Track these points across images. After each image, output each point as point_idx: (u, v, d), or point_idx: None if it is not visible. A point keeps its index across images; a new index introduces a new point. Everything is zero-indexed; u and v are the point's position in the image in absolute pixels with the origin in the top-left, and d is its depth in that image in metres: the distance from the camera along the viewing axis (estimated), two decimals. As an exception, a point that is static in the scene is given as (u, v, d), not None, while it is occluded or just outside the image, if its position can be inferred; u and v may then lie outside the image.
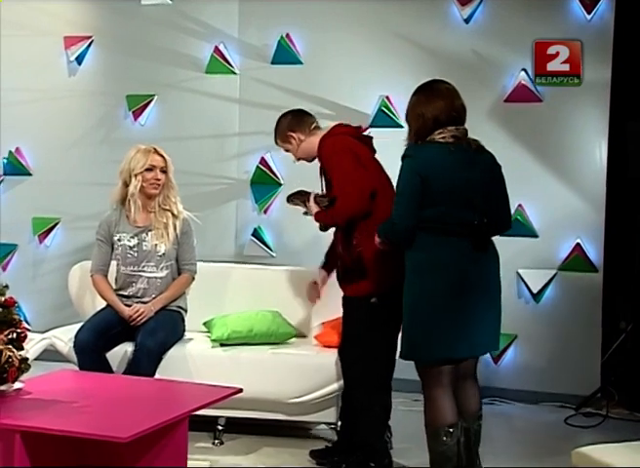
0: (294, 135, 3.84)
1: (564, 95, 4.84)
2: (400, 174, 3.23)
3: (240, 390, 3.30)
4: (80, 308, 4.51)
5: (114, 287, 4.16)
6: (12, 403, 3.03)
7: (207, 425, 3.97)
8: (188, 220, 4.20)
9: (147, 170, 4.08)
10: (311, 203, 3.74)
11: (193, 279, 4.19)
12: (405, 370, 3.48)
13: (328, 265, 3.95)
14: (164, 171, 4.12)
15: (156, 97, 5.41)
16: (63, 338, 4.12)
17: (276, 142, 3.96)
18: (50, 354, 4.12)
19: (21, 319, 3.18)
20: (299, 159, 3.90)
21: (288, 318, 4.27)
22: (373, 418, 3.63)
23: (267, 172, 5.25)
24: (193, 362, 4.00)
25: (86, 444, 2.87)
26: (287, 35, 5.18)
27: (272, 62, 5.23)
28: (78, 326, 4.13)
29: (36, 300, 5.38)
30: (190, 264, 4.17)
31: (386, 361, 3.63)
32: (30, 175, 5.63)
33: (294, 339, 4.24)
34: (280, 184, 5.24)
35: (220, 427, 4.04)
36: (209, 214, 5.39)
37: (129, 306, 4.03)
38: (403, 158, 3.24)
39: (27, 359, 3.13)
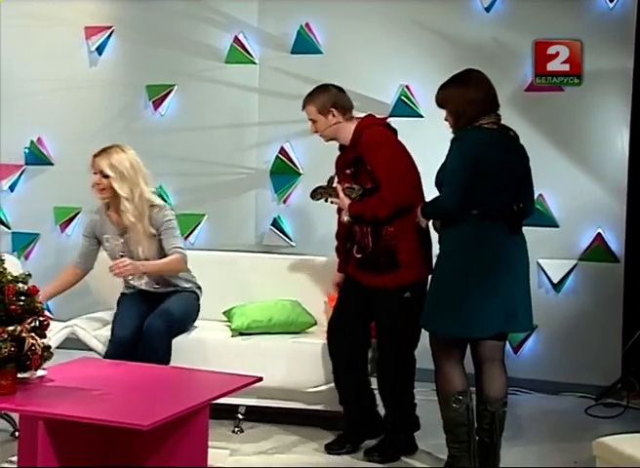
0: (335, 111, 3.70)
1: (585, 83, 4.79)
2: (451, 154, 3.36)
3: (260, 379, 3.30)
4: (100, 297, 4.53)
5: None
6: (35, 390, 3.05)
7: (226, 413, 3.97)
8: (162, 211, 3.99)
9: (94, 173, 3.99)
10: (342, 195, 3.64)
11: (185, 262, 4.00)
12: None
13: (343, 265, 3.88)
14: (105, 176, 3.94)
15: (176, 87, 5.41)
16: (85, 327, 4.14)
17: (305, 107, 3.75)
18: (71, 342, 4.14)
19: (44, 307, 3.19)
20: (321, 134, 3.76)
21: (307, 307, 4.26)
22: (412, 398, 3.75)
23: (287, 161, 5.24)
24: (213, 351, 4.01)
25: (107, 431, 2.88)
26: (306, 24, 5.16)
27: (292, 52, 5.21)
28: (99, 314, 4.15)
29: (58, 289, 5.39)
30: (175, 247, 3.94)
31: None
32: (52, 164, 5.65)
33: (313, 328, 4.24)
34: (299, 174, 5.23)
35: (240, 415, 4.04)
36: (228, 204, 5.41)
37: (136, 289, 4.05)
38: (453, 141, 3.38)
39: (50, 347, 3.14)
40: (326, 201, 3.74)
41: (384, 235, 3.59)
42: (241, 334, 4.11)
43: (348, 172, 3.70)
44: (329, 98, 3.73)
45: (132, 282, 4.08)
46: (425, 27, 4.98)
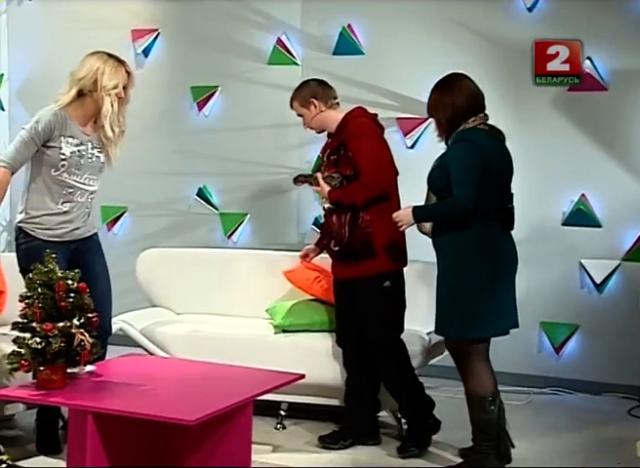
0: (315, 102, 3.83)
1: (629, 83, 4.72)
2: (458, 155, 3.37)
3: (302, 376, 3.32)
4: (148, 293, 4.60)
5: (47, 200, 3.60)
6: (84, 385, 3.11)
7: (269, 410, 4.00)
8: None
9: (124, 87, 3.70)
10: (322, 183, 3.74)
11: None
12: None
13: (322, 242, 4.00)
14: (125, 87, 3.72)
15: (220, 89, 5.45)
16: (132, 323, 4.20)
17: (291, 104, 3.91)
18: (119, 338, 4.20)
19: (92, 304, 3.25)
20: (309, 127, 3.91)
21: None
22: (417, 389, 3.79)
23: (329, 161, 5.24)
24: (256, 347, 4.03)
25: (154, 425, 2.92)
26: (349, 26, 5.16)
27: (334, 53, 5.21)
28: (147, 311, 4.19)
29: (105, 286, 5.47)
30: None
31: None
32: (99, 164, 5.73)
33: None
34: (341, 174, 5.23)
35: (282, 412, 4.07)
36: (271, 204, 5.43)
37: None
38: (457, 141, 3.39)
39: (98, 343, 3.20)
40: (310, 184, 3.83)
41: (361, 223, 3.67)
42: (283, 331, 4.14)
43: (333, 158, 3.80)
44: (308, 91, 3.87)
45: None
46: (467, 28, 4.95)
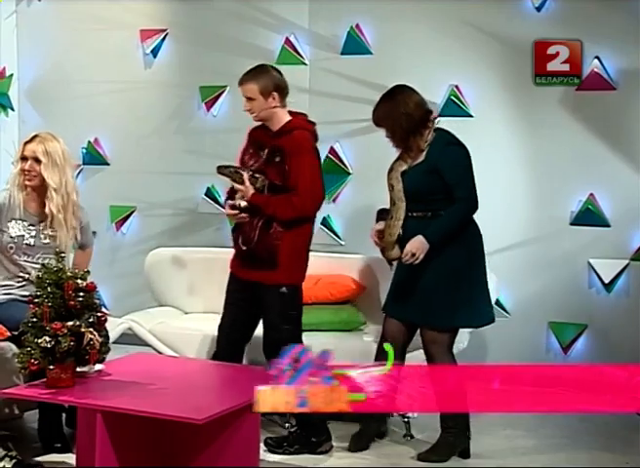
0: (275, 95, 3.68)
1: (638, 82, 4.70)
2: (457, 158, 3.59)
3: (311, 375, 3.31)
4: (156, 293, 4.61)
5: (6, 281, 3.77)
6: (93, 383, 3.12)
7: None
8: (83, 210, 3.92)
9: (21, 158, 3.76)
10: (247, 184, 3.62)
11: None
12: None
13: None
14: (38, 161, 3.73)
15: (228, 88, 5.45)
16: (141, 322, 4.21)
17: (241, 83, 3.70)
18: (127, 337, 4.21)
19: (101, 303, 3.26)
20: (254, 115, 3.70)
21: (357, 305, 4.26)
22: None
23: (336, 161, 5.24)
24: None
25: (163, 424, 2.93)
26: (356, 26, 5.15)
27: (342, 53, 5.20)
28: (155, 310, 4.19)
29: (114, 285, 5.48)
30: (92, 244, 4.06)
31: None
32: (108, 164, 5.74)
33: (364, 327, 4.24)
34: (349, 174, 5.23)
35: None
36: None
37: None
38: (450, 145, 3.61)
39: (107, 342, 3.21)
40: (234, 180, 3.68)
41: (272, 233, 3.61)
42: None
43: (262, 153, 3.68)
44: (272, 81, 3.70)
45: None
46: (475, 27, 4.94)
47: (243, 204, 3.64)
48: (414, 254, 3.49)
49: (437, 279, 3.56)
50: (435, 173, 3.51)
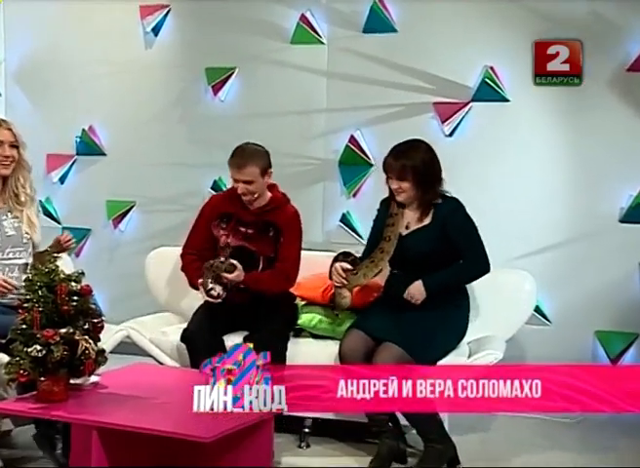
0: (269, 173, 4.06)
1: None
2: (469, 222, 3.85)
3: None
4: (158, 297, 4.62)
5: None
6: (88, 397, 3.14)
7: (290, 426, 4.00)
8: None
9: None
10: (234, 274, 3.91)
11: None
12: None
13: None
14: (14, 146, 3.81)
15: (237, 70, 5.47)
16: (140, 330, 4.23)
17: (245, 166, 3.98)
18: (127, 346, 4.23)
19: (97, 308, 3.28)
20: (254, 196, 4.02)
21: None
22: None
23: (357, 151, 5.25)
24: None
25: (165, 442, 2.94)
26: (380, 0, 5.16)
27: (364, 31, 5.20)
28: (156, 316, 4.21)
29: (111, 288, 5.51)
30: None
31: None
32: (104, 154, 5.78)
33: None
34: (371, 165, 5.23)
35: (306, 429, 4.07)
36: (293, 198, 5.38)
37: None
38: (459, 209, 3.84)
39: (104, 351, 3.23)
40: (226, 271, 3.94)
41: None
42: (301, 333, 4.21)
43: (251, 232, 4.05)
44: (267, 160, 4.05)
45: None
46: (514, 1, 4.92)
47: (222, 293, 3.94)
48: (411, 299, 3.82)
49: (434, 317, 3.81)
50: (446, 238, 3.79)
